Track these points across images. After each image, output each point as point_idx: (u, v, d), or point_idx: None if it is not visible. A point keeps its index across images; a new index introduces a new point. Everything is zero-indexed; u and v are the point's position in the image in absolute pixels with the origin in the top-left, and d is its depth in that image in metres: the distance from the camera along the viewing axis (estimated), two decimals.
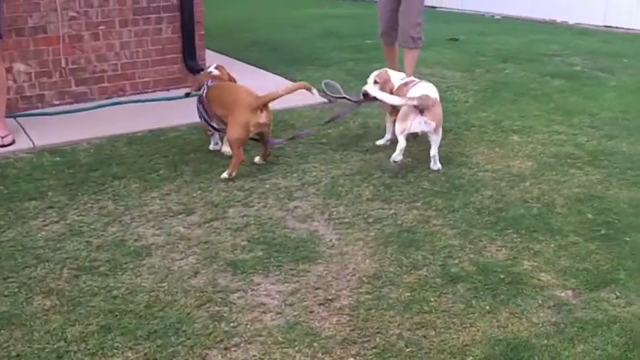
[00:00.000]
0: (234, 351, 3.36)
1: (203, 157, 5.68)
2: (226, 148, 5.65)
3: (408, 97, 5.29)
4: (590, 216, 4.65)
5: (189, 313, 3.64)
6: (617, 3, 10.86)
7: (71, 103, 6.95)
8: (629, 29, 10.62)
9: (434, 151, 5.33)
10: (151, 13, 7.20)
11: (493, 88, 7.42)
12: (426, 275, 3.97)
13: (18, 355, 3.29)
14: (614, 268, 4.03)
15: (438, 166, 5.35)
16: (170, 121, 6.48)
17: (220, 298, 3.78)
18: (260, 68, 8.28)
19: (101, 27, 6.97)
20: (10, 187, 5.14)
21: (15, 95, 6.68)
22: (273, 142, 5.61)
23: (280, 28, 10.62)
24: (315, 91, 5.43)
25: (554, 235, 4.41)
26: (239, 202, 4.90)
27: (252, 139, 5.37)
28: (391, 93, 5.60)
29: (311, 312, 3.64)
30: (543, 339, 3.42)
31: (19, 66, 6.67)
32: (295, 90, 5.31)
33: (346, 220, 4.63)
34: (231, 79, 5.75)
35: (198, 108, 5.66)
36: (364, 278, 3.95)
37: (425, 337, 3.45)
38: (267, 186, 5.15)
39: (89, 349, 3.35)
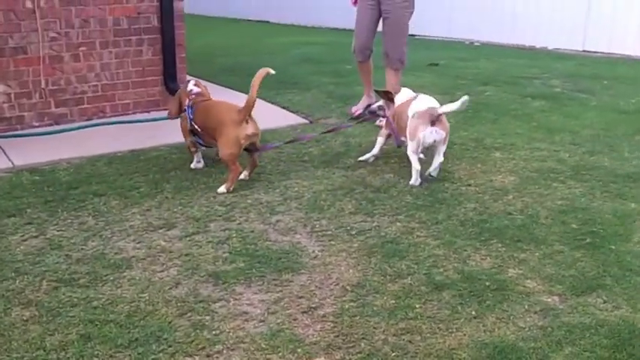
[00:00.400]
0: (217, 357, 3.30)
1: (184, 175, 5.63)
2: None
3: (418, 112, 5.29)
4: (574, 226, 4.64)
5: (170, 322, 3.57)
6: (595, 28, 10.98)
7: (51, 124, 6.89)
8: (608, 54, 10.73)
9: (440, 159, 5.32)
10: (132, 34, 7.19)
11: (474, 109, 7.44)
12: (410, 283, 3.93)
13: None
14: (601, 274, 4.01)
15: (436, 173, 5.37)
16: (151, 141, 6.43)
17: (202, 307, 3.72)
18: (240, 92, 8.25)
19: (82, 48, 6.95)
20: None
21: None
22: (267, 148, 5.68)
23: (258, 55, 10.65)
24: (271, 70, 5.31)
25: (539, 244, 4.39)
26: (220, 216, 4.85)
27: (245, 149, 5.37)
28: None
29: (294, 319, 3.59)
30: (530, 342, 3.38)
31: None
32: (260, 80, 5.22)
33: (329, 232, 4.59)
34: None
35: (185, 130, 5.66)
36: (348, 287, 3.91)
37: (410, 342, 3.40)
38: (249, 201, 5.10)
39: (69, 358, 3.28)
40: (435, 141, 5.26)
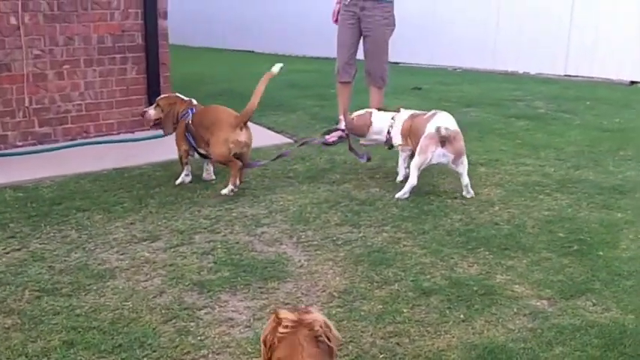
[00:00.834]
0: None
1: (168, 190, 5.59)
2: (207, 175, 5.83)
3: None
4: (561, 235, 4.63)
5: (154, 328, 3.52)
6: (577, 53, 11.07)
7: (34, 144, 6.83)
8: (590, 78, 10.82)
9: (465, 180, 5.31)
10: (116, 53, 7.16)
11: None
12: (397, 290, 3.90)
13: None
14: (589, 279, 4.00)
15: (471, 193, 5.34)
16: (135, 160, 6.39)
17: (187, 314, 3.67)
18: None
19: (66, 66, 6.91)
20: None
21: None
22: (254, 165, 5.68)
23: (242, 81, 10.63)
24: (276, 67, 5.42)
25: (526, 251, 4.37)
26: (205, 229, 4.81)
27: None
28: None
29: None
30: (520, 343, 3.35)
31: None
32: (264, 86, 5.31)
33: (315, 242, 4.55)
34: None
35: (181, 136, 5.65)
36: (335, 293, 3.87)
37: (399, 344, 3.36)
38: (234, 214, 5.06)
39: None
40: (441, 162, 5.27)
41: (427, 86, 10.31)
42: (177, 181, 5.73)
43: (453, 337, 3.42)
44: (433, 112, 5.55)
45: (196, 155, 5.70)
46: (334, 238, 4.61)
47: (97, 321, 3.58)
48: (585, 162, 6.23)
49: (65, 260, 4.32)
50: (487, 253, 4.36)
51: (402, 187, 5.36)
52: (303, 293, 3.87)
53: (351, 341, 3.38)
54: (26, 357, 3.27)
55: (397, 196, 5.30)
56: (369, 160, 5.90)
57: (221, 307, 3.75)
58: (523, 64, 11.73)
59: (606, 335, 3.40)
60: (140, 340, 3.39)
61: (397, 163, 5.80)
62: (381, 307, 3.71)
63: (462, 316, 3.61)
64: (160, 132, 5.88)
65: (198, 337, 3.44)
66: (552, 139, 7.05)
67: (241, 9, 15.86)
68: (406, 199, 5.28)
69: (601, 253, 4.33)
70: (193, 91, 5.78)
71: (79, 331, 3.47)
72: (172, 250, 4.47)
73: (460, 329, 3.48)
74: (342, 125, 7.15)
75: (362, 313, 3.64)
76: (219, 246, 4.50)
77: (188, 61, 13.03)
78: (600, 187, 5.52)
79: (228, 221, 4.93)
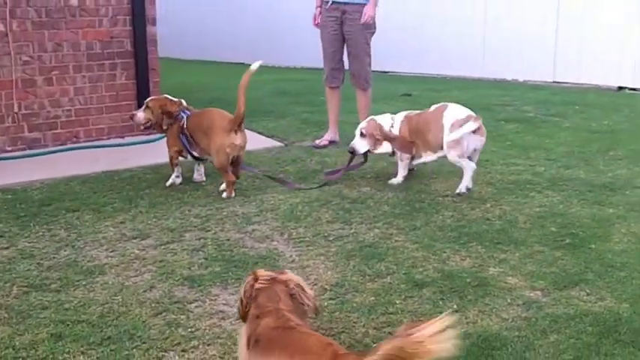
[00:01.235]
0: (192, 352, 3.22)
1: (158, 192, 5.55)
2: (197, 176, 5.82)
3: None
4: (553, 229, 4.61)
5: (144, 321, 3.48)
6: (565, 59, 11.10)
7: (24, 149, 6.79)
8: (578, 83, 10.85)
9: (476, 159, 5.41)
10: (105, 59, 7.14)
11: None
12: (390, 282, 3.87)
13: None
14: (582, 270, 3.98)
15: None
16: (124, 163, 6.36)
17: (177, 307, 3.64)
18: None
19: (55, 72, 6.89)
20: None
21: None
22: (247, 169, 5.71)
23: (232, 90, 10.47)
24: (255, 65, 5.51)
25: (519, 245, 4.35)
26: (196, 227, 4.77)
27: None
28: (384, 139, 5.60)
29: None
30: (515, 331, 3.33)
31: None
32: (245, 87, 5.35)
33: (306, 239, 4.52)
34: None
35: (173, 137, 5.64)
36: (327, 286, 3.84)
37: (391, 333, 3.30)
38: (225, 213, 5.03)
39: (39, 355, 3.19)
40: (476, 148, 5.32)
41: (417, 92, 10.30)
42: (168, 183, 5.70)
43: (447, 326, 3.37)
44: (438, 105, 5.52)
45: (189, 157, 5.67)
46: (325, 235, 4.58)
47: (85, 314, 3.55)
48: (576, 161, 6.23)
49: (54, 257, 4.28)
50: (479, 247, 4.33)
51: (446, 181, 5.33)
52: None
53: (343, 332, 3.36)
54: (13, 349, 3.23)
55: (461, 189, 5.27)
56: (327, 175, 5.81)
57: (212, 300, 3.71)
58: (512, 71, 11.76)
59: (601, 323, 3.38)
60: (130, 333, 3.36)
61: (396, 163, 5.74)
62: (373, 298, 3.68)
63: (455, 306, 3.59)
64: (151, 137, 5.85)
65: (189, 329, 3.40)
66: (542, 140, 7.05)
67: (232, 23, 15.87)
68: (400, 196, 5.25)
69: (593, 246, 4.31)
70: (184, 99, 5.76)
71: (68, 325, 3.44)
72: (163, 247, 4.43)
73: (454, 319, 3.44)
74: (331, 134, 7.15)
75: (354, 305, 3.61)
76: (210, 243, 4.47)
77: (179, 72, 13.00)
78: (591, 185, 5.51)
79: (219, 219, 4.90)
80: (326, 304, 3.62)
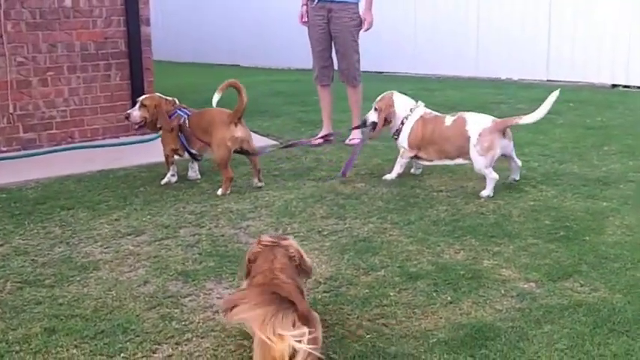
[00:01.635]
0: (186, 345, 3.21)
1: (153, 189, 5.56)
2: (192, 174, 5.82)
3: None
4: (547, 222, 4.62)
5: (138, 315, 3.48)
6: (558, 57, 11.12)
7: (19, 149, 6.79)
8: (572, 82, 10.85)
9: (519, 162, 5.43)
10: (100, 59, 7.16)
11: None
12: (384, 275, 3.88)
13: None
14: (576, 262, 3.98)
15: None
16: (119, 162, 6.37)
17: (171, 301, 3.63)
18: None
19: (50, 73, 6.90)
20: None
21: None
22: (263, 152, 5.87)
23: (227, 90, 10.66)
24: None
25: (513, 238, 4.36)
26: (190, 223, 4.78)
27: (238, 152, 5.43)
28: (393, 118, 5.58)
29: None
30: (509, 322, 3.33)
31: None
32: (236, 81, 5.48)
33: (300, 234, 4.52)
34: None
35: (171, 136, 5.64)
36: (320, 280, 3.84)
37: (386, 325, 3.33)
38: (219, 210, 5.04)
39: (32, 349, 3.18)
40: (505, 153, 5.29)
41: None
42: (163, 181, 5.70)
43: (441, 317, 3.39)
44: (457, 116, 5.40)
45: (186, 155, 5.68)
46: (320, 230, 4.58)
47: (79, 309, 3.55)
48: (570, 157, 6.24)
49: (48, 254, 4.28)
50: (473, 240, 4.34)
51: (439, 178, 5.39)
52: None
53: (337, 323, 3.35)
54: (7, 344, 3.22)
55: (483, 194, 5.17)
56: (343, 175, 5.75)
57: (206, 294, 3.71)
58: (506, 70, 11.78)
59: (595, 313, 3.38)
60: (123, 326, 3.35)
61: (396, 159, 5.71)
62: (367, 291, 3.68)
63: (449, 298, 3.59)
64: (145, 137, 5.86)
65: (183, 323, 3.40)
66: (536, 136, 7.05)
67: (227, 25, 15.90)
68: (394, 194, 5.26)
69: (587, 238, 4.32)
70: (179, 100, 5.78)
71: (61, 319, 3.43)
72: (157, 243, 4.43)
73: (447, 310, 3.46)
74: (325, 132, 7.16)
75: (348, 297, 3.62)
76: (205, 239, 4.47)
77: (174, 74, 13.01)
78: (585, 179, 5.52)
79: (213, 216, 4.90)
80: (320, 297, 3.62)
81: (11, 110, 6.75)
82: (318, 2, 6.92)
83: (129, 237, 4.54)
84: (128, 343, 3.21)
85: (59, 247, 4.38)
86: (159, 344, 3.20)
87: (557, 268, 3.91)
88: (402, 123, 5.57)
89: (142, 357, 3.11)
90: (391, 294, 3.64)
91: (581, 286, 3.69)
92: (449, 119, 5.42)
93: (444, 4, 12.37)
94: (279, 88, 10.78)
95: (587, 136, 7.04)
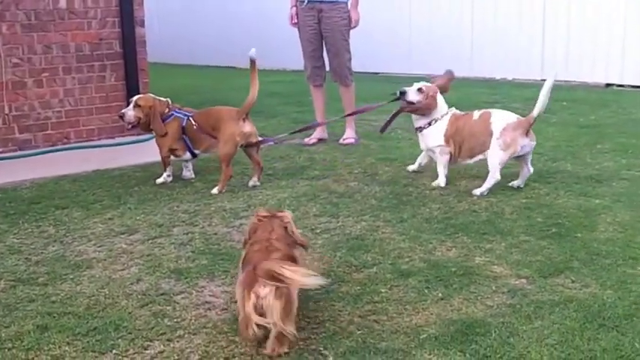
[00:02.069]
0: (178, 341, 3.22)
1: (147, 189, 5.58)
2: (187, 173, 5.84)
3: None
4: (539, 220, 4.64)
5: (130, 313, 3.50)
6: (552, 57, 11.16)
7: (15, 150, 6.81)
8: (566, 81, 10.89)
9: (531, 169, 5.38)
10: (95, 60, 7.18)
11: None
12: (376, 272, 3.89)
13: None
14: (568, 259, 4.00)
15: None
16: (114, 162, 6.38)
17: (163, 299, 3.65)
18: None
19: (45, 74, 6.92)
20: None
21: None
22: (267, 141, 5.98)
23: (224, 92, 10.66)
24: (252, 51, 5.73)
25: (505, 235, 4.38)
26: (184, 222, 4.80)
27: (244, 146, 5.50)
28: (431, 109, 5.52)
29: None
30: (499, 318, 3.34)
31: None
32: (255, 72, 5.59)
33: None
34: None
35: (171, 136, 5.64)
36: None
37: (377, 321, 3.35)
38: (213, 208, 5.05)
39: (24, 346, 3.19)
40: (525, 152, 5.28)
41: None
42: (159, 181, 5.71)
43: (432, 314, 3.40)
44: (483, 111, 5.45)
45: (186, 155, 5.70)
46: (312, 228, 4.60)
47: (72, 307, 3.56)
48: (563, 155, 6.26)
49: (42, 253, 4.30)
50: (465, 237, 4.36)
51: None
52: None
53: (328, 320, 3.37)
54: None
55: (477, 192, 5.18)
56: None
57: (198, 292, 3.72)
58: (500, 70, 11.83)
59: (585, 309, 3.39)
60: (115, 324, 3.36)
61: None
62: (359, 288, 3.70)
63: (440, 294, 3.60)
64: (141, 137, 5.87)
65: (175, 320, 3.41)
66: None
67: (222, 27, 15.93)
68: (388, 194, 5.28)
69: (579, 235, 4.34)
70: (176, 102, 5.81)
71: (54, 317, 3.44)
72: (150, 241, 4.45)
73: (438, 307, 3.47)
74: (319, 132, 7.17)
75: (340, 294, 3.63)
76: (198, 237, 4.49)
77: (170, 76, 13.03)
78: (578, 177, 5.54)
79: (206, 215, 4.92)
80: (311, 293, 3.62)
81: (7, 111, 6.77)
82: (307, 3, 6.95)
83: (122, 236, 4.56)
84: (120, 340, 3.22)
85: (53, 246, 4.40)
86: (151, 341, 3.22)
87: (549, 264, 3.93)
88: (430, 123, 5.51)
89: (134, 354, 3.12)
90: (382, 291, 3.66)
91: (572, 282, 3.71)
92: (476, 114, 5.46)
93: (438, 5, 12.40)
94: (275, 89, 10.79)
95: (581, 135, 7.07)
